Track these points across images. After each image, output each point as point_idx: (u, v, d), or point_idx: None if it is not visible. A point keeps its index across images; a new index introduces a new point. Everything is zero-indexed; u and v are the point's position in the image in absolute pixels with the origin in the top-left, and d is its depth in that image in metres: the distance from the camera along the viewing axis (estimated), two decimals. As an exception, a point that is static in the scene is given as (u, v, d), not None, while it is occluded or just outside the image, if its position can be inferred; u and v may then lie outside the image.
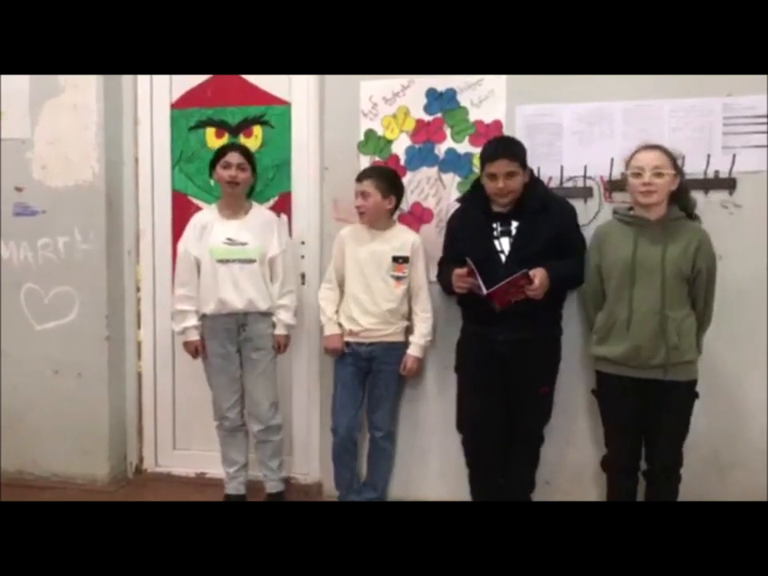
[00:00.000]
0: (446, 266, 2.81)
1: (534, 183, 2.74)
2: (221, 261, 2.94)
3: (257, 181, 3.13)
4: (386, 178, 2.89)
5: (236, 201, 3.02)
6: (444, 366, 3.00)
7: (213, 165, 3.01)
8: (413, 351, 2.92)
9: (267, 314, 3.01)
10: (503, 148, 2.68)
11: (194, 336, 3.00)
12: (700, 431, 2.71)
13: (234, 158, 2.96)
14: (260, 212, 3.07)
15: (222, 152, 3.00)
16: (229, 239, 2.95)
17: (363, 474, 3.10)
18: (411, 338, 2.93)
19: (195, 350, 3.01)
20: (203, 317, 3.00)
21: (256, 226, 3.00)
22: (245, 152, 3.01)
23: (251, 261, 2.96)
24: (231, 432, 3.08)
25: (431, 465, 3.14)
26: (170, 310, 3.16)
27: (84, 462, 3.39)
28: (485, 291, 2.54)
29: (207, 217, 3.04)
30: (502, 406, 2.75)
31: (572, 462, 2.99)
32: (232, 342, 3.01)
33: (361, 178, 2.88)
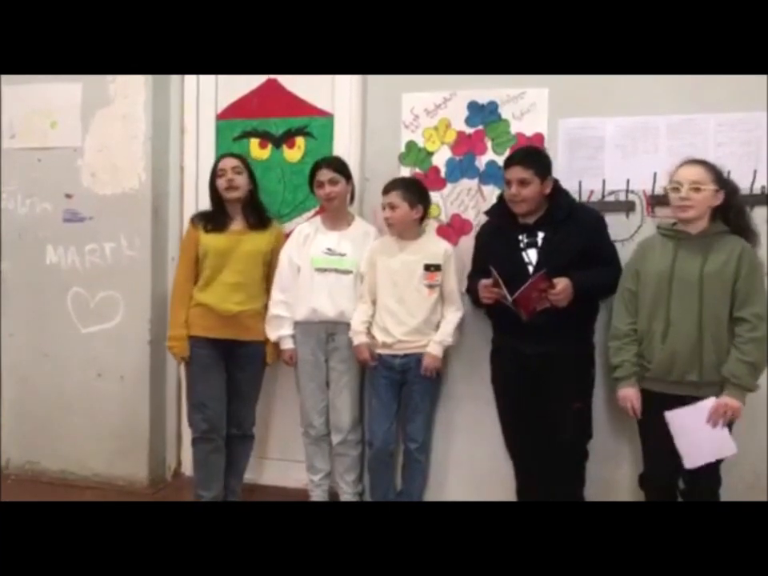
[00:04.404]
0: (474, 279, 2.81)
1: (558, 193, 2.72)
2: (319, 269, 2.98)
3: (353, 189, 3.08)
4: (412, 189, 2.89)
5: (336, 213, 3.04)
6: (476, 377, 2.98)
7: (311, 183, 3.02)
8: (430, 349, 2.88)
9: None
10: (518, 155, 2.69)
11: (288, 344, 3.04)
12: (741, 453, 2.62)
13: (323, 175, 2.96)
14: (361, 224, 3.09)
15: (313, 170, 3.00)
16: (329, 249, 2.99)
17: (399, 485, 3.10)
18: (432, 337, 2.89)
19: (290, 358, 3.05)
20: (295, 323, 3.03)
21: (356, 238, 3.02)
22: (335, 164, 3.00)
23: (348, 272, 2.98)
24: (316, 441, 3.09)
25: (465, 476, 3.13)
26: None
27: (124, 463, 3.45)
28: (509, 298, 2.54)
29: (311, 227, 3.07)
30: (535, 420, 2.72)
31: (609, 479, 2.95)
32: (321, 351, 3.04)
33: (387, 190, 2.89)
